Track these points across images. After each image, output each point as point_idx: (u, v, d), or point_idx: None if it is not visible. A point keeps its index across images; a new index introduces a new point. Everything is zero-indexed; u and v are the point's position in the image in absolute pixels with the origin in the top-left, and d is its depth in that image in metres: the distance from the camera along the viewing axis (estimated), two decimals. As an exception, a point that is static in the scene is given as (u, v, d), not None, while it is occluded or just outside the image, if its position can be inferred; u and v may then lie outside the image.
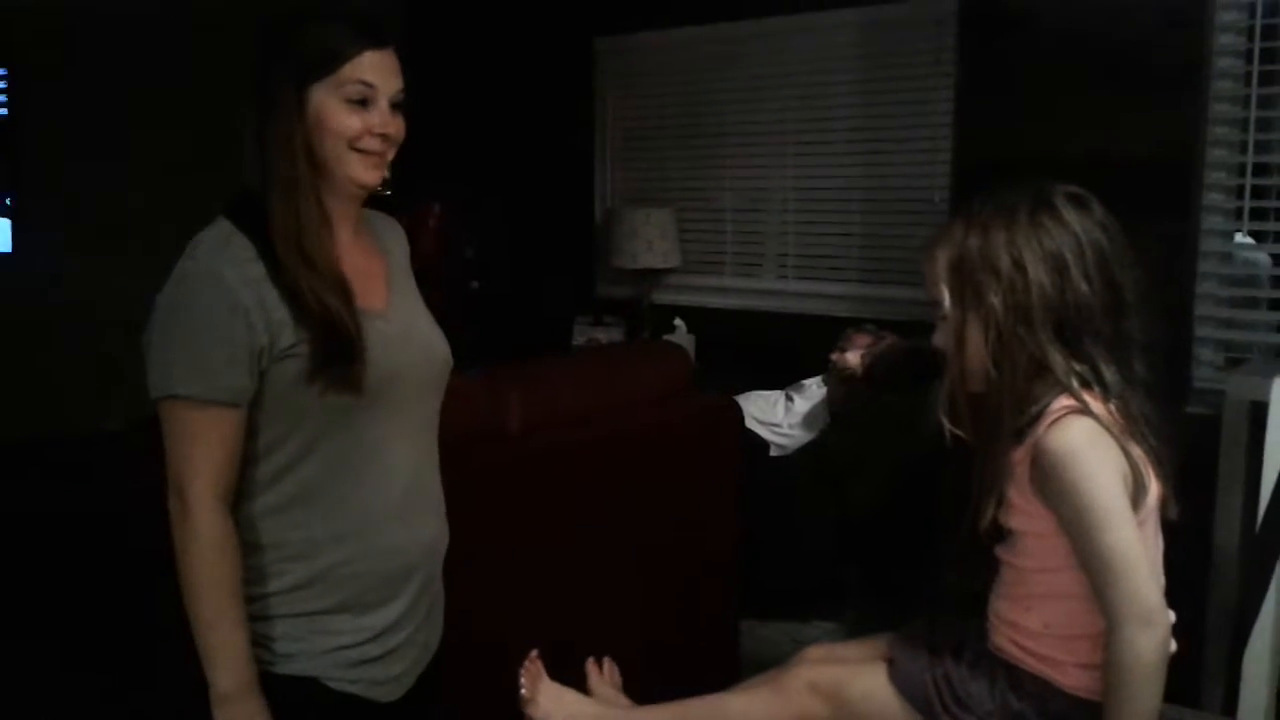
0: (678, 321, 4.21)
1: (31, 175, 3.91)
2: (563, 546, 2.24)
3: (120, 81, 3.88)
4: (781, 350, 3.82)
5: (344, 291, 1.32)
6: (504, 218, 4.70)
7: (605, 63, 4.49)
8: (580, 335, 4.40)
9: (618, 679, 1.76)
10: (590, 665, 1.74)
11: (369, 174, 1.36)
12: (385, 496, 1.37)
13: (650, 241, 4.18)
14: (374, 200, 1.44)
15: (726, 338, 4.09)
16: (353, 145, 1.32)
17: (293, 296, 1.28)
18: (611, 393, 2.50)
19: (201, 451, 1.26)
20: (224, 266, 1.27)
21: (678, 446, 2.57)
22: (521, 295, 4.72)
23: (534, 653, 1.67)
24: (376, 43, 1.33)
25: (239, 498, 1.30)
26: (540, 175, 4.63)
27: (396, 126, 1.35)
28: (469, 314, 4.64)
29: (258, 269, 1.28)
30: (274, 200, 1.30)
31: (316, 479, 1.32)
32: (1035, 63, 3.21)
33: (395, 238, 1.55)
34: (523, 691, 1.64)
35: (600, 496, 2.33)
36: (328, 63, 1.30)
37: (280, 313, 1.28)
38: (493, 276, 4.76)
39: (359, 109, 1.32)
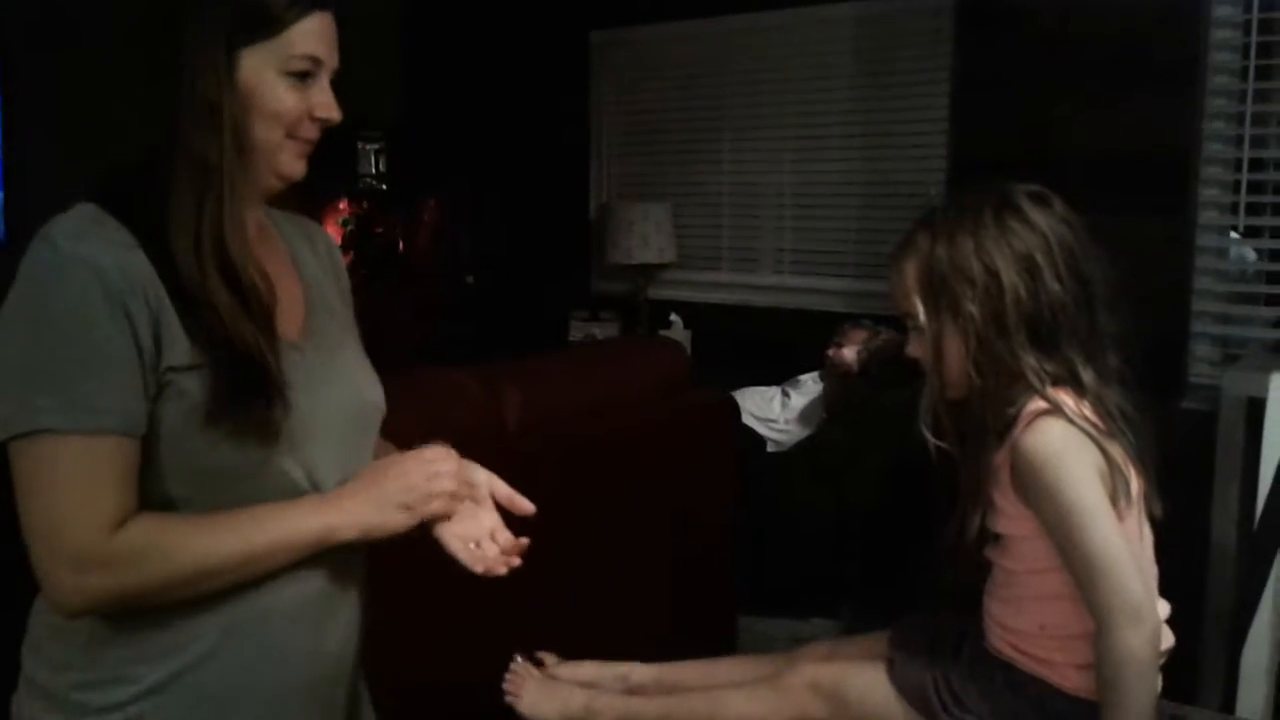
0: (674, 317, 4.21)
1: (24, 161, 3.89)
2: (559, 543, 2.22)
3: (112, 61, 3.86)
4: (778, 346, 3.82)
5: (266, 311, 1.05)
6: (500, 212, 4.69)
7: (601, 56, 4.48)
8: (576, 331, 4.40)
9: (555, 659, 1.73)
10: (524, 666, 1.69)
11: (297, 166, 1.10)
12: (291, 580, 1.07)
13: (646, 237, 4.17)
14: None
15: (723, 333, 4.09)
16: (289, 131, 1.07)
17: (192, 307, 1.00)
18: (608, 389, 2.49)
19: (87, 497, 0.95)
20: (95, 251, 0.97)
21: (675, 442, 2.57)
22: (517, 290, 4.72)
23: (516, 658, 1.66)
24: (322, 3, 1.07)
25: (77, 566, 0.97)
26: (536, 170, 4.62)
27: (339, 111, 1.10)
28: (465, 309, 4.63)
29: (139, 260, 0.99)
30: (180, 185, 1.01)
31: None
32: (1031, 58, 3.21)
33: (313, 246, 1.23)
34: (508, 698, 1.63)
35: (597, 493, 2.32)
36: (265, 23, 1.03)
37: (171, 319, 0.99)
38: (488, 271, 4.75)
39: (298, 85, 1.06)
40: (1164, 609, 1.36)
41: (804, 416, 3.51)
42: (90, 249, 0.97)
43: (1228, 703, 2.11)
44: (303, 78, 1.06)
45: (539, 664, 1.70)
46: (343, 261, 1.29)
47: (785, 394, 3.60)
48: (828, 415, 3.47)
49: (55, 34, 3.86)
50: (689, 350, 3.67)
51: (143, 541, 0.98)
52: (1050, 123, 3.14)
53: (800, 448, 3.44)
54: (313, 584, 1.10)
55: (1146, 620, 1.27)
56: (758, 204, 4.16)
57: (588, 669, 1.68)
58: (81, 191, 1.04)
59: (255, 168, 1.07)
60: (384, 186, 4.37)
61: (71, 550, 0.96)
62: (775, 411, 3.56)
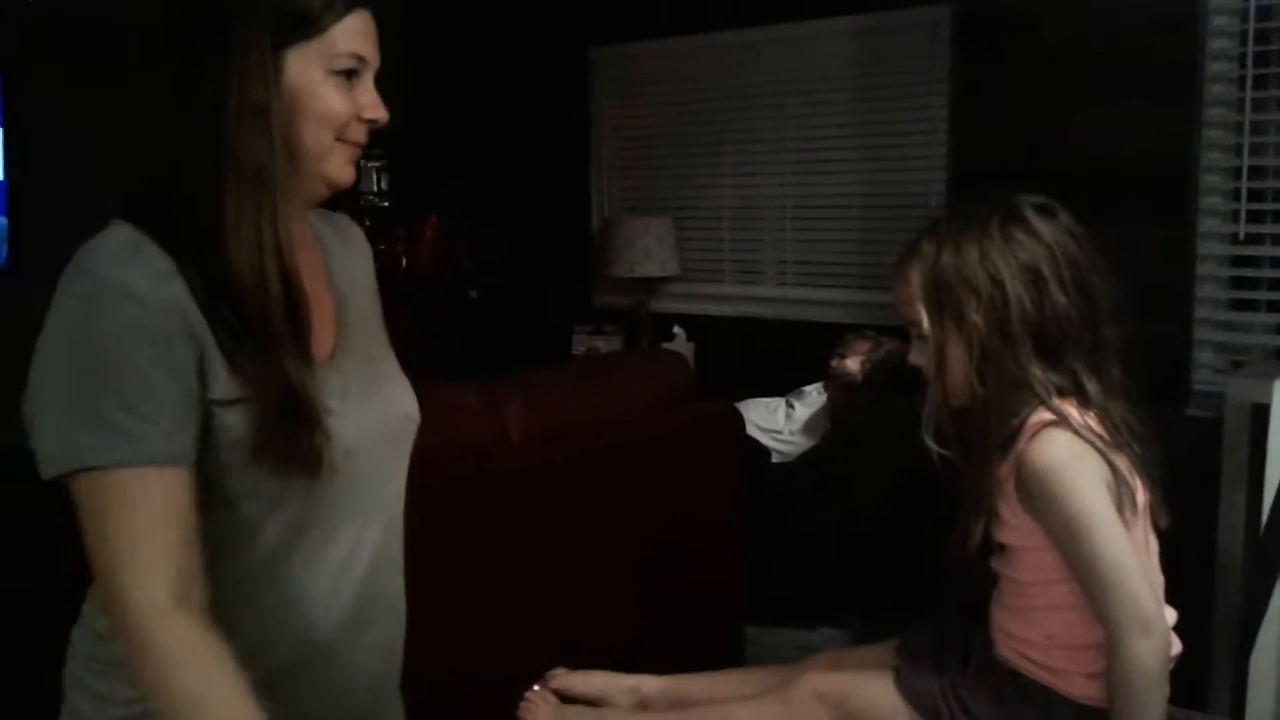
0: (677, 330, 4.21)
1: (27, 185, 3.90)
2: (565, 556, 2.23)
3: (116, 86, 3.88)
4: (781, 357, 3.82)
5: (306, 335, 1.01)
6: (502, 227, 4.70)
7: (601, 72, 4.50)
8: (580, 344, 4.40)
9: (562, 671, 1.72)
10: (541, 694, 1.68)
11: (347, 171, 1.06)
12: (329, 608, 1.06)
13: (648, 250, 4.18)
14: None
15: (726, 345, 4.09)
16: (339, 134, 1.03)
17: (236, 336, 0.96)
18: (612, 402, 2.49)
19: (138, 537, 0.91)
20: (135, 281, 0.93)
21: (679, 455, 2.57)
22: (520, 305, 4.72)
23: (534, 688, 1.64)
24: (361, 2, 1.04)
25: (113, 598, 0.93)
26: (538, 184, 4.63)
27: (386, 111, 1.06)
28: (468, 324, 4.64)
29: (179, 289, 0.95)
30: (233, 196, 0.96)
31: (238, 584, 1.01)
32: (1030, 68, 3.22)
33: (348, 248, 1.18)
34: None
35: (602, 506, 2.32)
36: (307, 23, 0.99)
37: (213, 351, 0.96)
38: (492, 286, 4.75)
39: (343, 85, 1.02)
40: (1171, 616, 1.35)
41: (808, 427, 3.51)
42: (131, 278, 0.94)
43: (1237, 709, 2.10)
44: (348, 76, 1.03)
45: (545, 684, 1.70)
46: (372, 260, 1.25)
47: (789, 405, 3.60)
48: (832, 426, 3.47)
49: (57, 54, 3.87)
50: (692, 363, 3.68)
51: (163, 666, 0.92)
52: (1049, 133, 3.14)
53: (805, 459, 3.44)
54: (352, 604, 1.09)
55: (1156, 630, 1.26)
56: (759, 216, 4.17)
57: (597, 679, 1.67)
58: (111, 209, 1.02)
59: (303, 175, 1.03)
60: (386, 204, 4.39)
61: (111, 592, 0.93)
62: (779, 423, 3.56)
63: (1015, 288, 1.34)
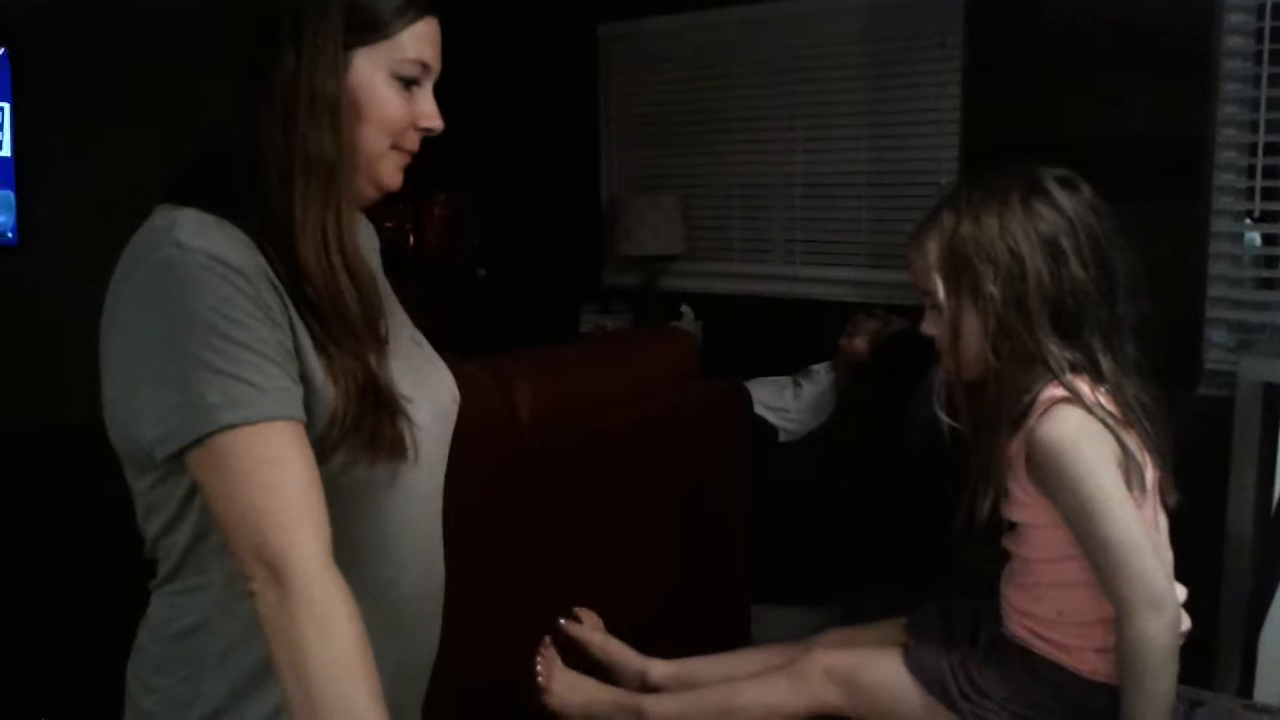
0: (685, 308, 4.20)
1: (35, 164, 3.90)
2: (573, 534, 2.23)
3: (124, 62, 3.87)
4: (789, 336, 3.81)
5: (377, 328, 1.02)
6: (510, 205, 4.69)
7: (609, 49, 4.47)
8: (588, 323, 4.40)
9: (597, 621, 1.74)
10: (567, 625, 1.70)
11: (397, 177, 1.06)
12: (409, 595, 1.09)
13: (656, 228, 4.17)
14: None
15: (734, 324, 4.08)
16: (395, 141, 1.03)
17: (321, 320, 0.97)
18: (620, 380, 2.49)
19: (289, 491, 0.90)
20: (227, 250, 0.92)
21: (686, 433, 2.57)
22: (528, 283, 4.72)
23: (547, 639, 1.66)
24: (432, 8, 1.03)
25: (268, 558, 0.90)
26: (546, 162, 4.62)
27: (442, 121, 1.06)
28: (476, 302, 4.64)
29: (263, 260, 0.95)
30: (303, 186, 0.96)
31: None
32: (1042, 44, 3.18)
33: (366, 239, 1.18)
34: (539, 679, 1.63)
35: (609, 483, 2.32)
36: (378, 25, 0.99)
37: (301, 330, 0.96)
38: (499, 264, 4.75)
39: (404, 91, 1.02)
40: (1181, 593, 1.35)
41: (816, 406, 3.50)
42: (221, 249, 0.92)
43: (1245, 687, 2.10)
44: (409, 84, 1.02)
45: (579, 620, 1.71)
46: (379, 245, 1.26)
47: (797, 384, 3.60)
48: (839, 405, 3.46)
49: (66, 29, 3.86)
50: (700, 341, 3.67)
51: (316, 630, 0.88)
52: (1063, 109, 3.12)
53: (812, 437, 3.44)
54: (421, 590, 1.11)
55: (1167, 607, 1.26)
56: (768, 194, 4.15)
57: (613, 647, 1.69)
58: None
59: (356, 176, 1.02)
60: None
61: (260, 551, 0.89)
62: (787, 401, 3.55)
63: (1034, 260, 1.32)
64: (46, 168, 3.88)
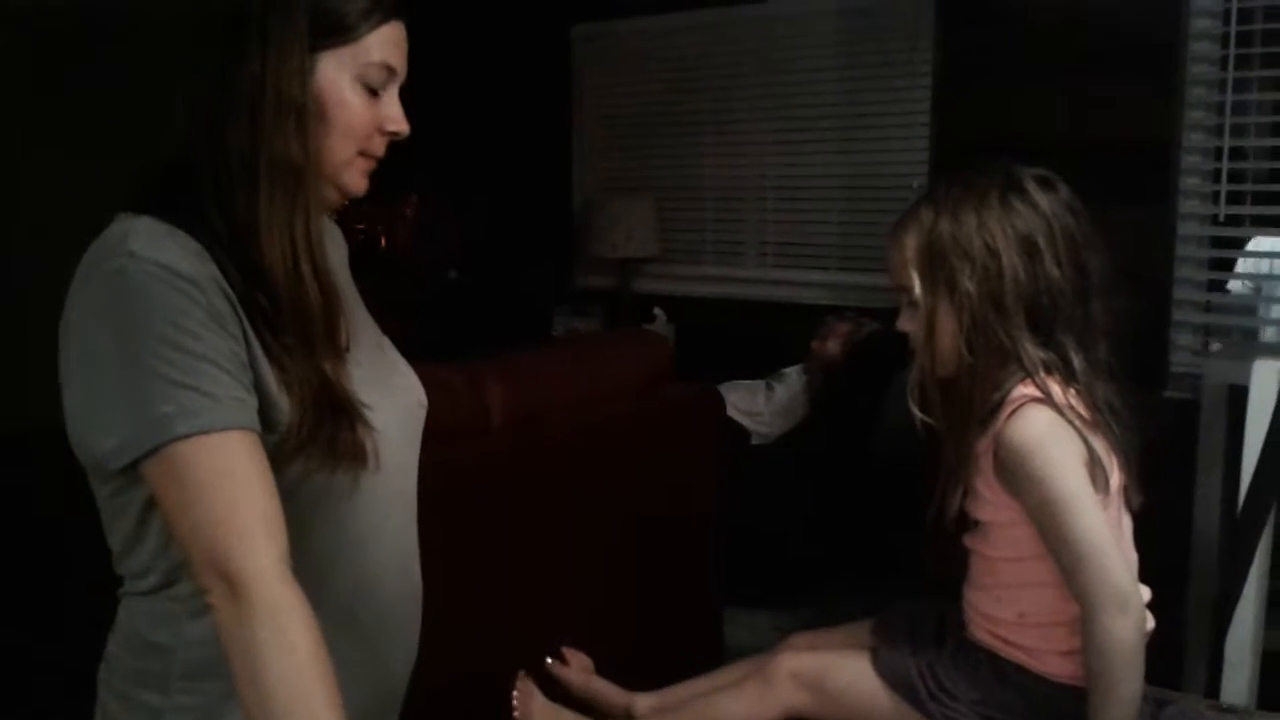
0: (657, 311, 4.20)
1: (9, 170, 3.84)
2: (546, 538, 2.23)
3: (97, 61, 3.82)
4: (762, 339, 3.81)
5: (337, 335, 1.01)
6: (482, 207, 4.67)
7: (582, 50, 4.47)
8: (560, 325, 4.38)
9: (586, 662, 1.74)
10: (552, 666, 1.71)
11: (362, 183, 1.05)
12: (370, 604, 1.07)
13: (629, 230, 4.16)
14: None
15: (707, 327, 4.09)
16: (361, 147, 1.02)
17: (274, 329, 0.95)
18: (592, 383, 2.48)
19: (242, 501, 0.89)
20: (179, 260, 0.91)
21: (659, 436, 2.57)
22: (500, 285, 4.70)
23: (521, 673, 1.64)
24: (398, 12, 1.02)
25: (222, 569, 0.89)
26: (518, 164, 4.60)
27: (408, 125, 1.04)
28: (448, 304, 4.61)
29: (215, 270, 0.94)
30: (268, 190, 0.95)
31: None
32: (1011, 48, 3.21)
33: (333, 243, 1.15)
34: (515, 714, 1.61)
35: (582, 487, 2.32)
36: (343, 29, 0.98)
37: (254, 340, 0.95)
38: (471, 266, 4.73)
39: (369, 95, 1.01)
40: (1145, 594, 1.36)
41: (788, 409, 3.51)
42: (173, 259, 0.91)
43: (1212, 689, 2.12)
44: (375, 89, 1.01)
45: (565, 662, 1.70)
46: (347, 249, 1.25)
47: (769, 387, 3.60)
48: (811, 408, 3.47)
49: (35, 32, 3.81)
50: (673, 344, 3.67)
51: (271, 635, 0.87)
52: (1031, 112, 3.14)
53: (784, 440, 3.45)
54: (387, 600, 1.09)
55: (1132, 606, 1.27)
56: (740, 197, 4.15)
57: (599, 685, 1.68)
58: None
59: (321, 181, 1.01)
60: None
61: (213, 561, 0.89)
62: (759, 404, 3.55)
63: (1010, 258, 1.33)
64: (20, 175, 3.83)
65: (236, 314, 0.94)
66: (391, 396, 1.10)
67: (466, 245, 4.70)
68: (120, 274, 0.91)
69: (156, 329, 0.90)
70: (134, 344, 0.90)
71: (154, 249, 0.92)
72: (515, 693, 1.60)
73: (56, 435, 0.99)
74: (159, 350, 0.89)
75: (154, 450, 0.89)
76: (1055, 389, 1.33)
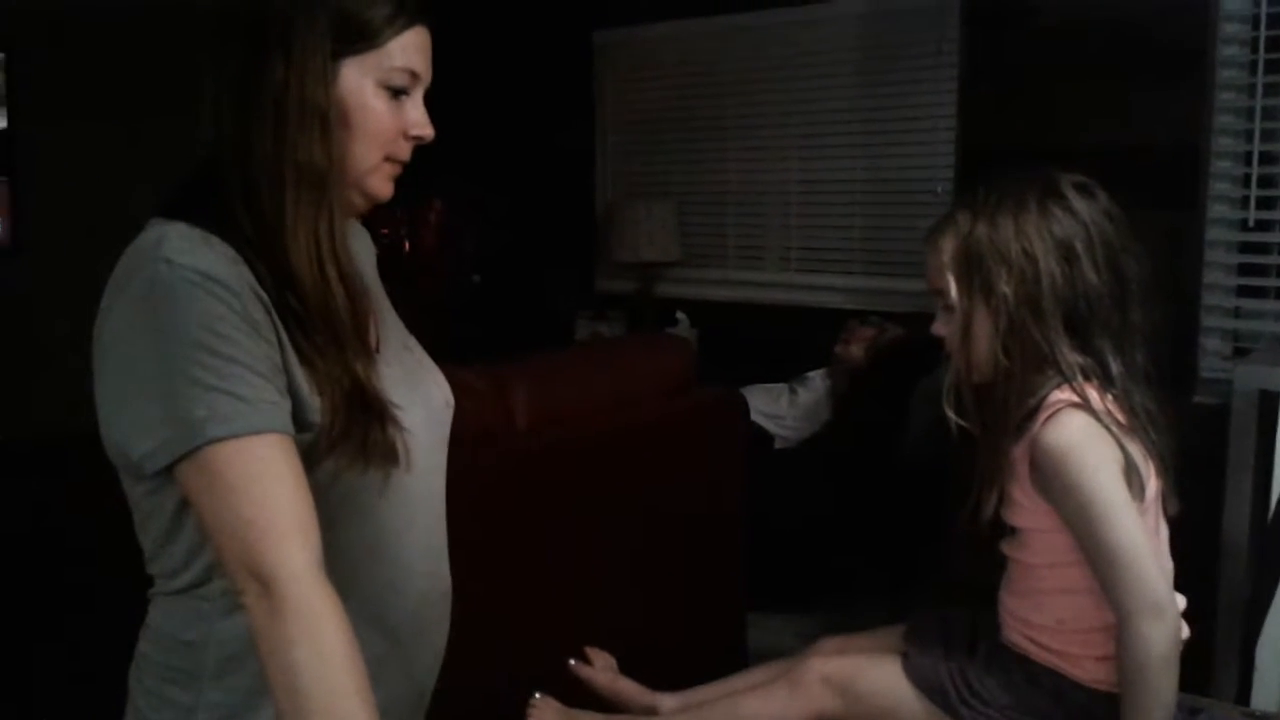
0: (680, 315, 4.20)
1: (30, 166, 3.89)
2: (570, 541, 2.23)
3: (120, 64, 3.85)
4: (784, 343, 3.81)
5: (366, 336, 1.02)
6: (505, 212, 4.69)
7: (605, 55, 4.48)
8: (583, 329, 4.39)
9: (610, 660, 1.74)
10: (576, 666, 1.71)
11: (387, 187, 1.05)
12: (402, 605, 1.08)
13: (652, 235, 4.17)
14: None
15: (729, 331, 4.08)
16: (386, 152, 1.02)
17: (306, 332, 0.97)
18: (616, 387, 2.48)
19: (276, 502, 0.90)
20: (215, 266, 0.93)
21: (682, 440, 2.56)
22: (524, 290, 4.71)
23: (535, 696, 1.64)
24: (422, 17, 1.02)
25: (259, 571, 0.90)
26: (541, 169, 4.62)
27: (432, 129, 1.05)
28: (471, 309, 4.63)
29: (250, 275, 0.95)
30: (293, 195, 0.96)
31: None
32: (1038, 52, 3.19)
33: (362, 245, 1.18)
34: None
35: (605, 490, 2.32)
36: (367, 35, 0.98)
37: (287, 343, 0.97)
38: (495, 271, 4.74)
39: (393, 100, 1.01)
40: (1180, 602, 1.35)
41: (811, 413, 3.50)
42: (209, 265, 0.92)
43: (1242, 695, 2.10)
44: (399, 93, 1.01)
45: (588, 662, 1.70)
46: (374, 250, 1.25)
47: (793, 391, 3.59)
48: (835, 412, 3.46)
49: (65, 38, 3.85)
50: (695, 347, 3.67)
51: (306, 637, 0.88)
52: (1059, 117, 3.12)
53: (808, 444, 3.44)
54: (417, 601, 1.10)
55: (1167, 613, 1.26)
56: (763, 201, 4.15)
57: (623, 684, 1.68)
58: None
59: (346, 185, 1.02)
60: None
61: (249, 563, 0.90)
62: (782, 408, 3.55)
63: (1047, 262, 1.33)
64: (41, 170, 3.87)
65: (271, 317, 0.96)
66: (420, 397, 1.10)
67: (490, 249, 4.72)
68: (157, 281, 0.92)
69: (192, 334, 0.91)
70: (170, 349, 0.91)
71: (190, 255, 0.93)
72: (530, 711, 1.60)
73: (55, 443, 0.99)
74: (194, 355, 0.90)
75: (189, 454, 0.90)
76: (1093, 394, 1.32)
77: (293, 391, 0.96)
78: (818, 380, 3.57)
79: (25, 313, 3.71)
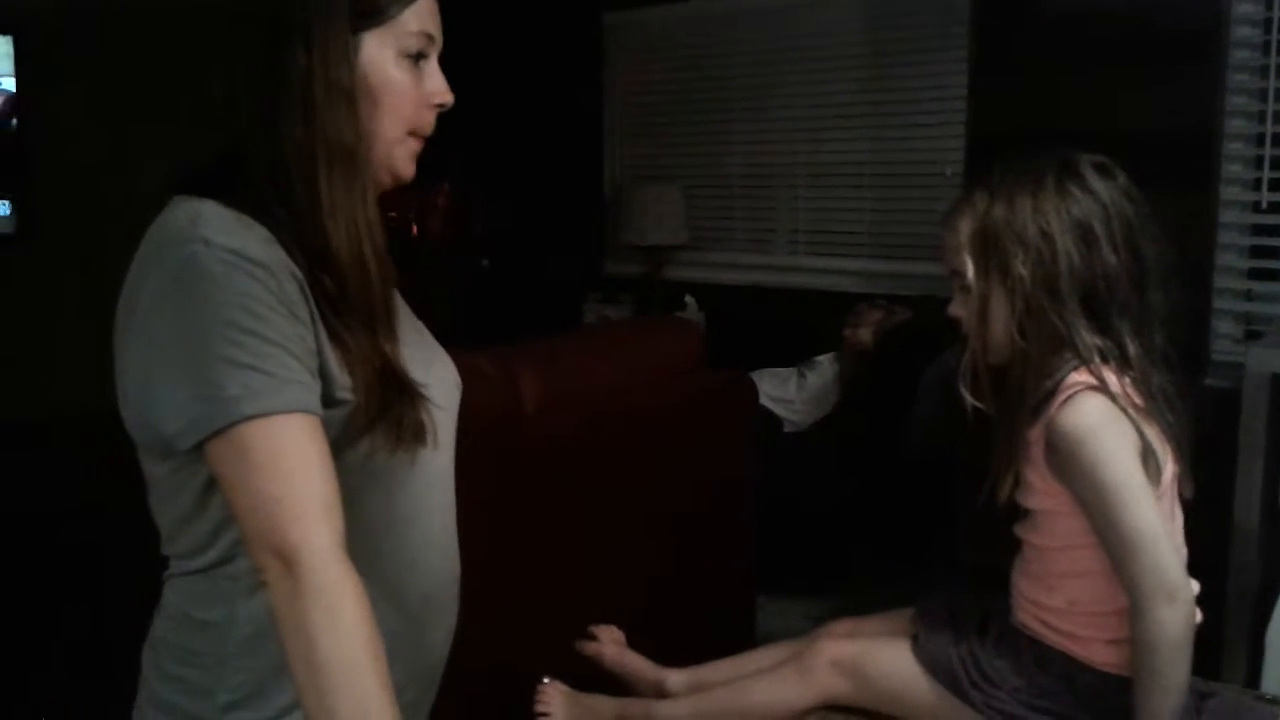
0: (688, 298, 4.19)
1: (35, 154, 3.88)
2: (578, 524, 2.23)
3: (128, 50, 3.85)
4: (793, 326, 3.80)
5: (394, 316, 1.04)
6: (513, 195, 4.68)
7: (613, 38, 4.46)
8: (591, 313, 4.39)
9: (618, 635, 1.74)
10: (583, 644, 1.72)
11: (410, 166, 1.06)
12: (420, 584, 1.09)
13: (660, 218, 4.15)
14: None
15: (737, 314, 4.07)
16: (410, 126, 1.04)
17: (338, 311, 0.98)
18: (624, 370, 2.48)
19: (303, 482, 0.91)
20: (250, 245, 0.93)
21: (691, 423, 2.56)
22: (531, 273, 4.71)
23: (544, 680, 1.65)
24: None
25: (283, 549, 0.90)
26: (549, 152, 4.61)
27: (452, 95, 1.06)
28: (479, 292, 4.63)
29: (284, 255, 0.95)
30: (326, 174, 0.97)
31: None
32: (1049, 35, 3.17)
33: None
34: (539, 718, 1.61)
35: (615, 474, 2.32)
36: (382, 8, 1.00)
37: (319, 322, 0.97)
38: (502, 254, 4.74)
39: (413, 68, 1.03)
40: (1194, 587, 1.34)
41: (820, 397, 3.50)
42: (244, 244, 0.93)
43: (1252, 679, 2.10)
44: (417, 60, 1.03)
45: (595, 638, 1.71)
46: None
47: (801, 374, 3.59)
48: (844, 395, 3.46)
49: (73, 25, 3.84)
50: (704, 331, 3.67)
51: (325, 615, 0.88)
52: (1070, 99, 3.10)
53: (817, 428, 3.44)
54: (436, 579, 1.12)
55: (1182, 598, 1.26)
56: (771, 184, 4.14)
57: (631, 659, 1.68)
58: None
59: (373, 163, 1.03)
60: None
61: (271, 540, 0.90)
62: (791, 392, 3.55)
63: (1065, 243, 1.32)
64: (47, 157, 3.86)
65: (305, 298, 0.96)
66: (434, 378, 1.11)
67: (497, 233, 4.72)
68: (193, 259, 0.92)
69: (226, 313, 0.91)
70: (205, 327, 0.91)
71: (226, 235, 0.93)
72: (539, 699, 1.60)
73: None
74: (229, 334, 0.91)
75: (220, 431, 0.91)
76: (1110, 377, 1.31)
77: (325, 372, 0.97)
78: (826, 364, 3.56)
79: (33, 300, 3.71)
